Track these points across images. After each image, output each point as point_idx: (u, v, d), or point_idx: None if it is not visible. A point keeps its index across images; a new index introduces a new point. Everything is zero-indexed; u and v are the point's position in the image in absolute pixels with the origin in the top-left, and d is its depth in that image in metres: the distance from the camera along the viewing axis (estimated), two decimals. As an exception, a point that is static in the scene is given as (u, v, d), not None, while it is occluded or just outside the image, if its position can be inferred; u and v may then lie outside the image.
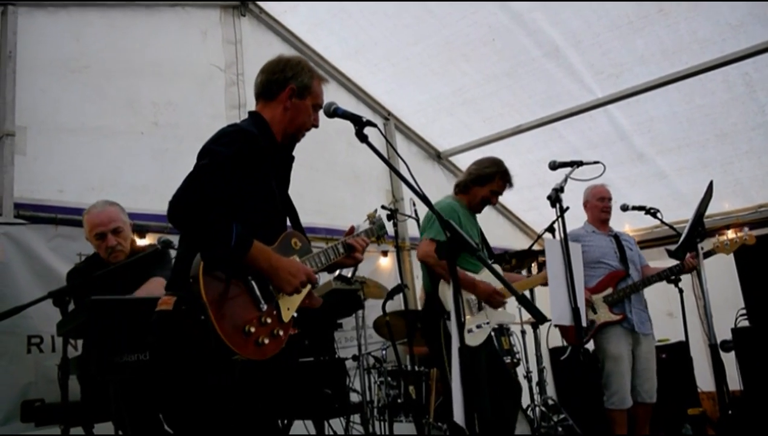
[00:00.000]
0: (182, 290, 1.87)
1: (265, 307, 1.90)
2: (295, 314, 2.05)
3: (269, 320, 1.91)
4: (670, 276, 4.40)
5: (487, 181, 3.79)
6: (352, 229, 2.49)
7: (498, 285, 3.51)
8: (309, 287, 2.08)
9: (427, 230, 3.58)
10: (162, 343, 1.97)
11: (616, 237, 4.62)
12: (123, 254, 3.22)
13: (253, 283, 1.90)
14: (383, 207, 4.31)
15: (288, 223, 2.29)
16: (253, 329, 1.84)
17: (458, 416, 1.76)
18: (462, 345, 1.81)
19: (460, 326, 1.79)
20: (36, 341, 3.72)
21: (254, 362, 1.85)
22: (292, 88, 2.24)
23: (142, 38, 4.79)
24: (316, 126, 2.38)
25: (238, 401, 1.88)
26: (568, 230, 4.19)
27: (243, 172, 1.96)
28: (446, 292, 3.43)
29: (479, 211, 3.92)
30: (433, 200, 3.40)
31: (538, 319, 1.79)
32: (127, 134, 4.55)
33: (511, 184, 3.86)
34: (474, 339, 3.42)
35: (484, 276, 3.59)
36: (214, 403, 1.85)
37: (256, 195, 2.03)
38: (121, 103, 4.56)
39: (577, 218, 4.72)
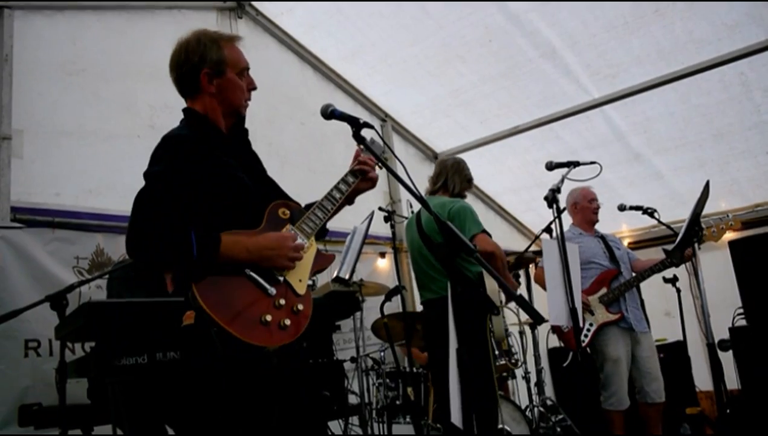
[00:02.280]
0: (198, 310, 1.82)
1: (274, 291, 1.86)
2: (311, 281, 2.00)
3: (283, 301, 1.87)
4: (663, 269, 4.38)
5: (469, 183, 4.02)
6: (358, 153, 2.34)
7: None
8: (313, 245, 2.03)
9: (474, 225, 3.53)
10: (188, 358, 1.98)
11: (603, 238, 4.63)
12: None
13: (252, 273, 1.85)
14: (381, 209, 4.32)
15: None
16: (270, 317, 1.81)
17: (455, 416, 1.76)
18: (461, 347, 1.81)
19: (458, 325, 1.78)
20: (33, 345, 3.71)
21: (287, 347, 1.84)
22: (206, 73, 2.07)
23: (139, 41, 4.78)
24: (253, 88, 2.22)
25: (281, 387, 1.88)
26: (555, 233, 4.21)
27: (188, 176, 1.89)
28: (495, 288, 3.40)
29: None
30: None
31: (536, 320, 1.79)
32: (124, 137, 4.54)
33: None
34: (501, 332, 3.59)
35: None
36: (256, 398, 1.82)
37: (220, 188, 1.95)
38: (117, 107, 4.56)
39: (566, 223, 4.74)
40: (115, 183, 4.38)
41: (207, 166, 1.94)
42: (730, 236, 4.60)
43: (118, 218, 4.26)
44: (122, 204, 4.36)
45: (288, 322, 1.86)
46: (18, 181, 3.89)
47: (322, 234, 2.21)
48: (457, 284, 3.41)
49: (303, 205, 2.23)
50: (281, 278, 1.92)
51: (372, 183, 2.28)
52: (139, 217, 1.81)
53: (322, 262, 2.07)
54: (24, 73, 4.06)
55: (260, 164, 2.25)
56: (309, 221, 2.08)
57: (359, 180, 2.24)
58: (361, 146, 2.29)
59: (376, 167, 2.31)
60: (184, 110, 2.16)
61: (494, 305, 3.34)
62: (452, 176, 3.89)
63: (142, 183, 4.63)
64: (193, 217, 1.84)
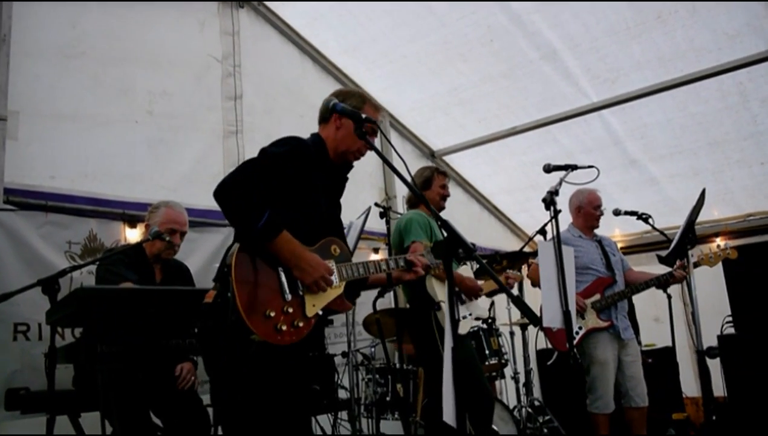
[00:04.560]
0: (221, 278, 2.06)
1: (289, 297, 2.07)
2: (320, 312, 2.17)
3: (291, 310, 2.06)
4: (658, 286, 4.42)
5: (431, 183, 4.03)
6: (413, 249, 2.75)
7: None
8: (341, 288, 2.25)
9: (407, 236, 3.67)
10: (204, 332, 2.23)
11: (600, 242, 4.64)
12: (173, 255, 3.57)
13: (282, 273, 2.08)
14: (376, 205, 4.31)
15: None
16: (273, 314, 2.00)
17: (448, 415, 1.76)
18: (455, 345, 1.81)
19: (455, 323, 1.78)
20: (22, 329, 3.68)
21: (273, 348, 2.00)
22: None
23: (139, 26, 4.74)
24: (362, 153, 2.49)
25: (254, 378, 2.04)
26: (551, 234, 4.22)
27: (291, 174, 2.18)
28: (434, 284, 3.56)
29: (443, 209, 4.10)
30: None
31: (532, 321, 1.80)
32: (122, 123, 4.51)
33: (446, 175, 4.15)
34: (463, 328, 3.64)
35: (461, 271, 3.78)
36: (230, 375, 2.01)
37: (302, 200, 2.23)
38: (116, 92, 4.52)
39: (564, 221, 4.74)
40: (111, 168, 4.36)
41: (306, 179, 2.25)
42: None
43: (112, 204, 4.24)
44: (118, 190, 4.34)
45: (284, 328, 2.02)
46: (12, 163, 3.85)
47: (355, 293, 2.49)
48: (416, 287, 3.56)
49: (345, 240, 2.50)
50: (301, 293, 2.12)
51: (414, 276, 2.57)
52: (239, 174, 2.09)
53: (338, 304, 2.29)
54: (22, 55, 4.01)
55: (339, 208, 2.56)
56: (350, 268, 2.32)
57: (404, 269, 2.54)
58: (424, 252, 2.66)
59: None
60: (312, 134, 2.50)
61: (433, 301, 3.53)
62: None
63: (137, 169, 4.63)
64: (272, 204, 2.08)
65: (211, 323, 2.09)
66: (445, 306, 3.36)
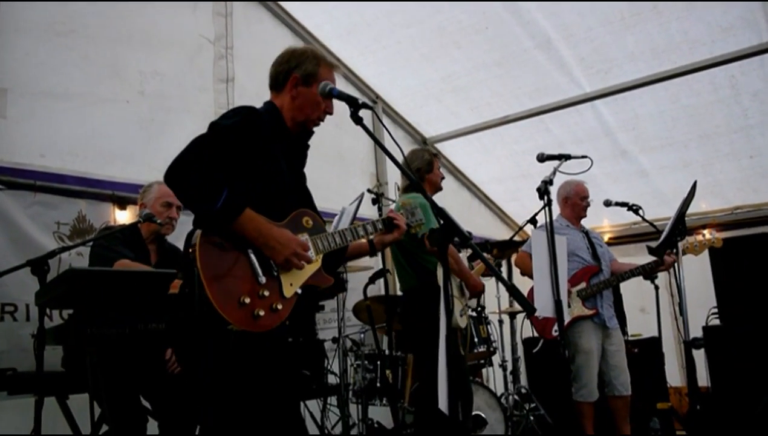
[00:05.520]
0: (186, 264, 1.92)
1: (264, 280, 1.94)
2: (299, 291, 2.06)
3: (267, 293, 1.93)
4: (644, 273, 4.46)
5: (432, 166, 3.96)
6: (390, 211, 2.58)
7: None
8: (318, 262, 2.13)
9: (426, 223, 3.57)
10: (174, 324, 2.16)
11: (587, 233, 4.68)
12: (171, 231, 3.53)
13: (252, 256, 1.94)
14: (369, 191, 4.30)
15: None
16: (248, 300, 1.87)
17: (443, 402, 1.77)
18: (449, 331, 1.81)
19: (449, 312, 1.79)
20: (10, 309, 3.65)
21: (252, 335, 1.89)
22: (296, 77, 2.26)
23: (131, 5, 4.65)
24: (330, 113, 2.37)
25: (233, 371, 1.93)
26: (541, 223, 4.25)
27: (247, 145, 2.02)
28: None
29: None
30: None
31: (527, 310, 1.81)
32: (112, 102, 4.45)
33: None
34: (463, 321, 3.62)
35: None
36: (209, 370, 1.92)
37: (264, 172, 2.09)
38: (107, 71, 4.45)
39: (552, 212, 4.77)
40: (101, 148, 4.30)
41: (263, 150, 2.09)
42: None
43: (102, 185, 4.19)
44: (108, 169, 4.29)
45: (262, 313, 1.90)
46: (0, 141, 3.80)
47: (335, 265, 2.35)
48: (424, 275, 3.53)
49: (317, 210, 2.36)
50: (275, 273, 1.99)
51: (398, 235, 2.47)
52: (189, 153, 1.93)
53: (319, 279, 2.17)
54: (11, 32, 3.93)
55: (304, 177, 2.42)
56: (325, 239, 2.20)
57: (385, 231, 2.43)
58: (403, 211, 2.54)
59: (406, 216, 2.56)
60: (265, 103, 2.34)
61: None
62: (414, 169, 3.90)
63: (128, 150, 4.57)
64: (230, 180, 1.94)
65: (182, 315, 2.02)
66: (455, 301, 3.37)
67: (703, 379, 5.22)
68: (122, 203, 4.23)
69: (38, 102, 4.02)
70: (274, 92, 2.34)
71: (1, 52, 3.87)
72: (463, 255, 3.83)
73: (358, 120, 2.20)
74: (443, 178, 4.09)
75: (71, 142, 4.15)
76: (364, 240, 2.42)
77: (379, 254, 4.04)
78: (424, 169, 3.90)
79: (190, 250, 1.87)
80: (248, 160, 2.03)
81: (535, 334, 4.73)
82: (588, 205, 4.69)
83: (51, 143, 4.04)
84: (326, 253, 2.20)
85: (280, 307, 1.97)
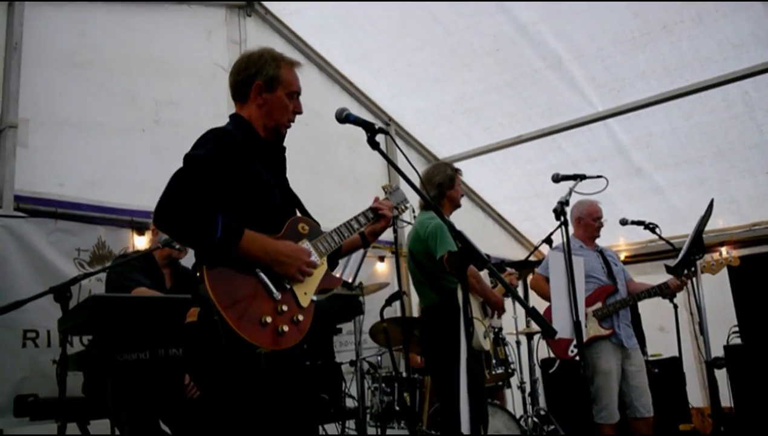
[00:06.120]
0: (199, 298, 1.90)
1: (279, 295, 1.92)
2: (314, 297, 2.06)
3: (285, 308, 1.92)
4: (660, 293, 4.41)
5: (454, 181, 3.90)
6: (376, 199, 2.50)
7: None
8: (324, 265, 2.11)
9: (440, 246, 3.49)
10: (191, 354, 2.07)
11: (602, 252, 4.63)
12: (185, 254, 3.60)
13: (262, 274, 1.92)
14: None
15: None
16: (269, 319, 1.86)
17: (465, 426, 1.76)
18: (470, 353, 1.81)
19: (469, 334, 1.78)
20: (32, 336, 3.69)
21: (280, 353, 1.89)
22: (259, 85, 2.19)
23: (147, 35, 4.77)
24: (299, 112, 2.30)
25: (268, 391, 1.92)
26: (556, 243, 4.22)
27: (226, 168, 1.98)
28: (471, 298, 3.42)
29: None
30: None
31: (548, 332, 1.80)
32: (129, 131, 4.53)
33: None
34: (487, 343, 3.54)
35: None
36: (243, 397, 1.87)
37: (250, 188, 2.04)
38: (123, 100, 4.55)
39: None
40: (117, 176, 4.37)
41: (243, 166, 2.03)
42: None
43: (120, 212, 4.26)
44: (125, 198, 4.35)
45: (286, 329, 1.90)
46: (22, 170, 3.88)
47: (334, 264, 2.30)
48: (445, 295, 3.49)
49: (305, 206, 2.32)
50: (288, 286, 1.98)
51: (385, 223, 2.41)
52: (172, 191, 1.87)
53: (329, 282, 2.15)
54: (31, 63, 4.04)
55: (287, 182, 2.34)
56: (325, 241, 2.18)
57: (374, 221, 2.38)
58: (386, 196, 2.52)
59: (395, 209, 2.54)
60: (231, 115, 2.26)
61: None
62: (425, 188, 3.86)
63: (144, 178, 4.65)
64: (219, 207, 1.90)
65: (200, 344, 1.93)
66: (477, 324, 3.33)
67: (725, 399, 5.13)
68: (140, 229, 4.28)
69: (57, 132, 4.11)
70: (239, 103, 2.26)
71: (23, 83, 3.96)
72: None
73: (374, 145, 2.20)
74: (462, 195, 4.06)
75: (89, 171, 4.23)
76: (356, 235, 2.39)
77: (395, 276, 4.02)
78: (446, 184, 3.85)
79: (201, 287, 1.85)
80: (231, 181, 1.99)
81: (552, 354, 4.68)
82: (601, 225, 4.64)
83: (70, 172, 4.12)
84: (329, 254, 2.19)
85: (301, 318, 1.97)
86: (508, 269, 4.04)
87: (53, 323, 3.01)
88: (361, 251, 3.75)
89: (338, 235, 2.24)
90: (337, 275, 2.24)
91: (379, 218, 2.40)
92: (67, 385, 2.79)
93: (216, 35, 5.29)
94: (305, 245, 2.11)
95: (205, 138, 2.05)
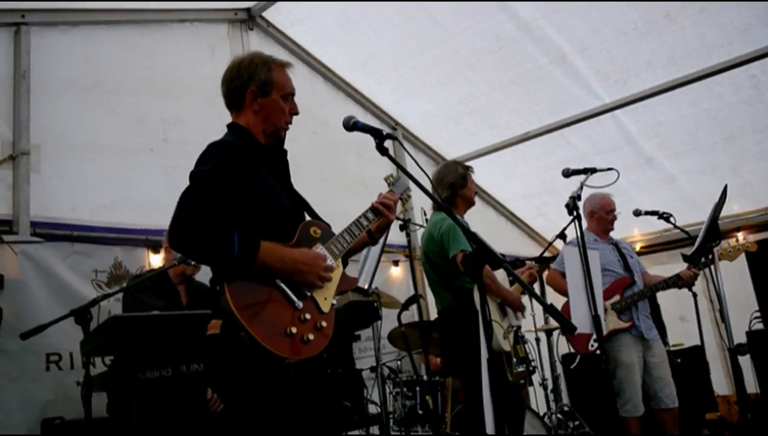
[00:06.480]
0: (221, 312, 1.89)
1: (301, 304, 1.91)
2: (334, 302, 2.05)
3: (308, 316, 1.92)
4: (676, 284, 4.37)
5: (467, 180, 3.86)
6: (380, 194, 2.48)
7: None
8: (340, 267, 2.11)
9: (453, 245, 3.50)
10: (215, 367, 2.05)
11: (616, 245, 4.60)
12: (199, 270, 3.62)
13: (282, 284, 1.90)
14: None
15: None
16: (294, 329, 1.85)
17: (490, 427, 1.76)
18: (491, 355, 1.81)
19: (489, 336, 1.78)
20: (54, 359, 3.73)
21: (306, 361, 1.89)
22: (252, 91, 2.16)
23: (151, 55, 4.82)
24: (295, 113, 2.29)
25: (299, 400, 1.92)
26: (570, 238, 4.19)
27: (233, 181, 1.96)
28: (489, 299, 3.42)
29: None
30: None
31: (567, 329, 1.79)
32: (138, 151, 4.57)
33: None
34: (507, 344, 3.50)
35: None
36: (274, 409, 1.87)
37: (259, 197, 2.02)
38: (131, 121, 4.59)
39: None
40: (129, 197, 4.41)
41: (249, 176, 2.01)
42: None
43: (134, 232, 4.30)
44: (137, 218, 4.39)
45: (311, 337, 1.90)
46: (36, 196, 3.93)
47: (345, 262, 2.27)
48: (461, 296, 3.47)
49: (316, 214, 2.30)
50: (308, 294, 1.97)
51: (388, 221, 2.40)
52: (183, 211, 1.85)
53: (346, 284, 2.14)
54: (40, 89, 4.10)
55: (292, 185, 2.32)
56: (338, 242, 2.16)
57: (378, 220, 2.36)
58: (389, 188, 2.48)
59: (398, 204, 2.50)
60: (229, 125, 2.23)
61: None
62: (437, 189, 3.84)
63: (156, 196, 4.68)
64: (232, 222, 1.89)
65: (224, 357, 1.92)
66: (495, 326, 3.31)
67: (751, 385, 5.07)
68: (156, 247, 4.31)
69: (68, 156, 4.17)
70: (235, 112, 2.23)
71: (33, 110, 4.01)
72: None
73: (383, 151, 2.21)
74: (476, 192, 4.01)
75: (100, 194, 4.28)
76: (364, 233, 2.37)
77: (411, 279, 4.03)
78: (458, 183, 3.80)
79: (223, 303, 1.84)
80: (240, 192, 1.97)
81: (572, 349, 4.65)
82: (615, 218, 4.61)
83: (83, 195, 4.17)
84: (344, 255, 2.19)
85: (324, 324, 1.96)
86: (528, 263, 3.99)
87: (75, 345, 3.05)
88: (375, 257, 3.76)
89: (350, 234, 2.22)
90: (353, 277, 2.23)
91: (382, 216, 2.38)
92: (92, 406, 2.83)
93: (219, 51, 5.33)
94: (320, 249, 2.09)
95: (208, 153, 2.03)
